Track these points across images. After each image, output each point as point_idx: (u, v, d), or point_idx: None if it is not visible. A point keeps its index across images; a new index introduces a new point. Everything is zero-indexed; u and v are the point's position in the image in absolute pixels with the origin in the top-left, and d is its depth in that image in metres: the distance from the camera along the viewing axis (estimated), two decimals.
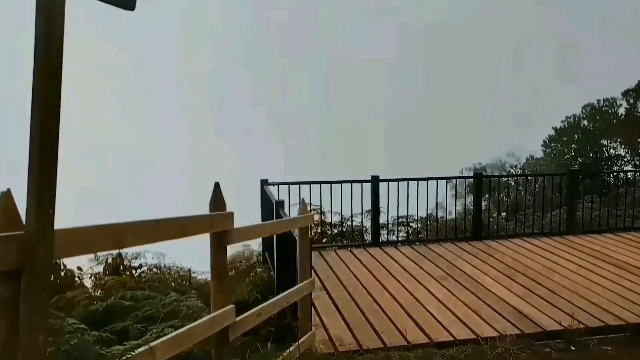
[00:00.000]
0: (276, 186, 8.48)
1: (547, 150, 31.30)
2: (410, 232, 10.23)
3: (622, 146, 28.40)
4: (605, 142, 28.95)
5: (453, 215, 10.89)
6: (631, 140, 26.96)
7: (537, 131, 32.76)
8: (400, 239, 10.11)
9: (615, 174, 17.34)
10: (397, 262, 8.05)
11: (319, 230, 10.57)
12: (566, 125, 30.60)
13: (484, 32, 69.16)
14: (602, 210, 11.04)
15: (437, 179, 9.10)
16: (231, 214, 3.60)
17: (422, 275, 7.42)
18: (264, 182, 8.47)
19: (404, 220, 10.59)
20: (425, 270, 7.63)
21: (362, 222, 9.66)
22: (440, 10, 70.64)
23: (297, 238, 5.25)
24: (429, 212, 10.05)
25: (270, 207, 7.68)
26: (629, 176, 15.10)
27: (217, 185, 3.66)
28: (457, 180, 9.54)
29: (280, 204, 7.09)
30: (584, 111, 30.17)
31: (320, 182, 8.70)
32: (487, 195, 12.81)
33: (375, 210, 8.96)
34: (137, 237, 2.55)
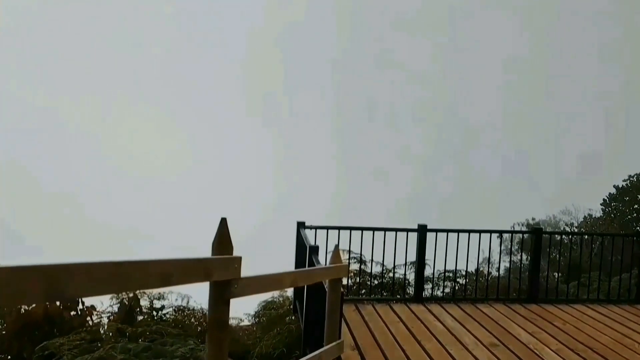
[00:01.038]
0: (314, 230, 7.76)
1: (607, 210, 29.68)
2: (456, 288, 9.27)
3: None
4: None
5: (502, 272, 9.93)
6: None
7: (598, 190, 31.21)
8: (445, 295, 9.17)
9: None
10: (441, 322, 7.14)
11: (358, 281, 9.76)
12: (629, 185, 29.03)
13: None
14: None
15: (490, 231, 8.22)
16: (238, 259, 2.87)
17: (469, 339, 6.49)
18: (301, 225, 7.74)
19: (451, 274, 9.67)
20: (472, 333, 6.69)
21: (404, 274, 8.77)
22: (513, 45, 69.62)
23: (327, 290, 4.50)
24: (477, 268, 9.07)
25: (304, 253, 6.96)
26: None
27: (223, 221, 2.95)
28: (510, 235, 8.56)
29: (314, 249, 6.34)
30: None
31: (362, 228, 7.93)
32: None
33: (420, 263, 8.11)
34: (79, 286, 1.82)
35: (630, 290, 8.83)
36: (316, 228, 7.81)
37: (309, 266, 6.19)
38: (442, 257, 8.29)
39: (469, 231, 8.13)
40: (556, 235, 14.65)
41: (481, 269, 9.93)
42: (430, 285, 8.83)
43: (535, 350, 6.21)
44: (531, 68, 67.53)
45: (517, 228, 27.58)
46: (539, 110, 65.57)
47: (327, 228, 7.82)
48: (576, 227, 31.02)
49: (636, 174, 28.80)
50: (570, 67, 65.59)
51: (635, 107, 58.76)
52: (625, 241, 9.60)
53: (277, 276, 3.32)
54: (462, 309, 7.80)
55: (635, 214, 28.06)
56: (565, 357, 6.06)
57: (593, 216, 30.52)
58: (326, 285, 4.58)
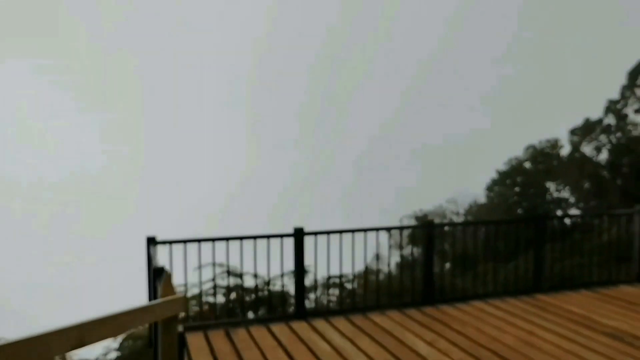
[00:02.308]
0: (168, 245, 6.42)
1: (491, 195, 30.17)
2: (344, 294, 8.24)
3: (566, 188, 27.53)
4: (548, 185, 28.05)
5: (395, 271, 9.10)
6: (576, 182, 26.05)
7: (481, 174, 31.73)
8: (332, 305, 8.16)
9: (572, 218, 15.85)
10: (327, 340, 6.06)
11: (234, 297, 8.57)
12: (509, 168, 29.65)
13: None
14: (566, 261, 9.45)
15: (377, 229, 7.27)
16: None
17: (359, 357, 5.49)
18: (151, 242, 6.36)
19: (338, 280, 8.67)
20: (364, 352, 5.68)
21: (282, 286, 7.64)
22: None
23: (159, 335, 3.27)
24: (365, 270, 8.07)
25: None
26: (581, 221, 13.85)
27: None
28: (400, 231, 7.60)
29: (159, 273, 5.05)
30: (526, 152, 29.34)
31: (228, 238, 6.71)
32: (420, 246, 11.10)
33: (299, 273, 7.00)
34: None
35: (527, 279, 8.20)
36: (171, 242, 6.47)
37: (154, 297, 4.92)
38: (331, 262, 7.29)
39: (353, 231, 7.14)
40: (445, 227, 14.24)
41: (374, 268, 8.99)
42: (315, 295, 7.76)
43: None
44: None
45: (405, 222, 27.35)
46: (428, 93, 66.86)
47: (185, 241, 6.52)
48: (462, 215, 31.37)
49: (515, 157, 29.46)
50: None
51: (513, 91, 61.43)
52: (513, 227, 9.00)
53: (32, 340, 2.06)
54: (351, 321, 6.76)
55: (516, 197, 28.65)
56: None
57: (478, 202, 30.95)
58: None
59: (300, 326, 6.59)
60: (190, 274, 6.67)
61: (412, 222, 25.55)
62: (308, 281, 8.91)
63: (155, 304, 3.20)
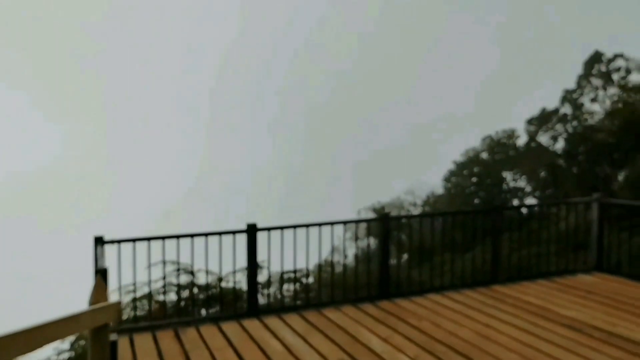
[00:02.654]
0: (116, 244, 6.06)
1: (448, 186, 30.34)
2: (299, 289, 7.98)
3: (523, 178, 27.83)
4: (505, 175, 28.31)
5: (352, 265, 8.90)
6: (532, 172, 26.34)
7: (439, 166, 31.87)
8: (287, 301, 7.89)
9: (535, 207, 15.87)
10: (279, 339, 5.81)
11: (186, 295, 8.24)
12: (466, 159, 29.84)
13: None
14: (523, 251, 9.39)
15: (332, 223, 7.03)
16: None
17: (311, 356, 5.26)
18: (98, 241, 5.96)
19: (292, 275, 8.43)
20: (317, 350, 5.45)
21: (234, 283, 7.33)
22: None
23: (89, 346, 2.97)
24: (319, 264, 7.82)
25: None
26: (538, 209, 13.86)
27: None
28: (355, 225, 7.34)
29: (102, 273, 4.71)
30: (483, 143, 29.55)
31: (178, 236, 6.39)
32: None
33: (252, 269, 6.71)
34: None
35: (485, 270, 8.09)
36: (119, 242, 6.12)
37: None
38: (287, 258, 7.02)
39: (307, 225, 6.89)
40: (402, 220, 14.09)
41: (330, 260, 8.75)
42: (268, 292, 7.50)
43: None
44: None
45: (363, 214, 27.26)
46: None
47: (134, 240, 6.18)
48: (420, 207, 31.48)
49: (472, 147, 29.66)
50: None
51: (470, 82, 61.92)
52: (470, 218, 8.86)
53: None
54: (305, 318, 6.52)
55: (473, 187, 28.87)
56: None
57: (435, 193, 31.09)
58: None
59: (252, 324, 6.33)
60: (141, 273, 6.38)
61: (370, 215, 25.49)
62: (263, 277, 8.68)
63: (81, 313, 2.89)
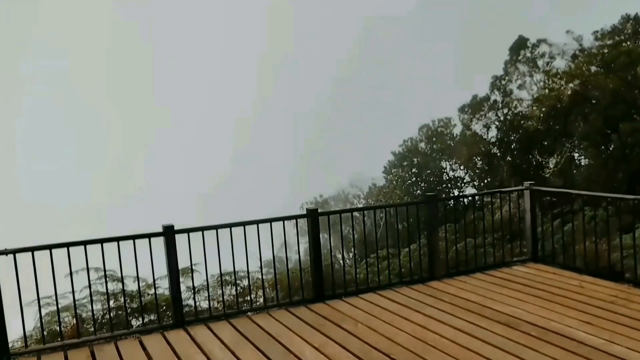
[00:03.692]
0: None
1: (389, 177, 30.33)
2: (234, 293, 7.53)
3: (461, 167, 28.06)
4: (444, 164, 28.49)
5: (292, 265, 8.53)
6: (469, 161, 26.57)
7: (379, 156, 31.86)
8: (218, 306, 7.46)
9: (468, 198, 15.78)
10: (205, 353, 5.37)
11: (113, 305, 7.71)
12: (404, 149, 29.89)
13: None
14: (460, 244, 9.23)
15: (257, 222, 6.61)
16: None
17: None
18: None
19: (228, 278, 7.99)
20: None
21: (155, 293, 6.84)
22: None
23: None
24: (247, 268, 7.34)
25: None
26: (477, 199, 13.80)
27: None
28: (282, 222, 6.91)
29: None
30: (420, 133, 29.64)
31: (85, 242, 5.78)
32: (326, 233, 10.63)
33: (172, 274, 6.23)
34: None
35: (423, 266, 7.85)
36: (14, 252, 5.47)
37: None
38: (218, 259, 6.57)
39: (230, 225, 6.45)
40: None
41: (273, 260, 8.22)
42: (195, 300, 7.04)
43: None
44: None
45: (306, 206, 26.96)
46: None
47: (14, 252, 5.48)
48: (363, 199, 31.39)
49: (410, 138, 29.72)
50: None
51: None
52: (417, 208, 8.57)
53: None
54: (235, 327, 6.11)
55: (414, 178, 28.95)
56: None
57: (377, 185, 31.07)
58: None
59: (177, 337, 5.88)
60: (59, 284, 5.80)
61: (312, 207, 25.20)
62: (198, 281, 8.22)
63: None
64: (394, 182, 29.20)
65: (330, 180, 35.97)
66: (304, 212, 7.07)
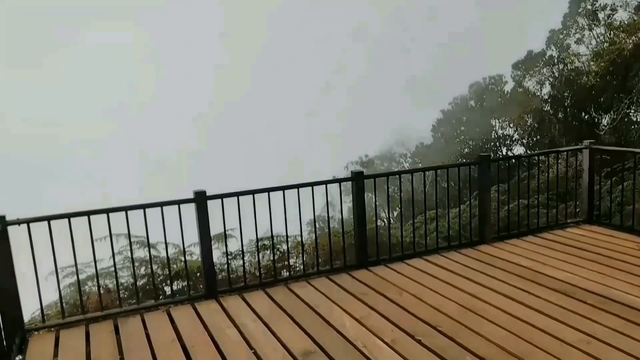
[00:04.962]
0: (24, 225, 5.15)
1: (437, 135, 29.58)
2: (274, 259, 7.21)
3: (511, 125, 27.09)
4: (494, 122, 27.56)
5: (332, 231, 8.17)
6: (519, 119, 25.58)
7: (426, 114, 31.05)
8: (250, 277, 7.17)
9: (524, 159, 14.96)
10: (237, 326, 5.09)
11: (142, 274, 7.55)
12: (453, 107, 29.04)
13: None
14: (512, 205, 8.73)
15: (297, 186, 6.26)
16: None
17: (272, 350, 4.58)
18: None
19: (268, 243, 7.70)
20: (279, 338, 4.75)
21: (185, 262, 6.54)
22: None
23: None
24: (286, 235, 7.01)
25: None
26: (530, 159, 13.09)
27: None
28: (325, 186, 6.51)
29: None
30: (470, 91, 28.69)
31: (107, 210, 5.49)
32: (371, 193, 10.24)
33: (204, 243, 5.95)
34: None
35: (473, 229, 7.41)
36: (28, 222, 5.17)
37: None
38: (255, 224, 6.22)
39: (268, 190, 6.08)
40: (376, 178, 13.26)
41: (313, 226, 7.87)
42: (238, 265, 6.78)
43: (362, 350, 4.42)
44: None
45: (351, 168, 26.56)
46: None
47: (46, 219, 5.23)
48: (410, 158, 30.77)
49: (459, 95, 28.84)
50: None
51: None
52: (463, 169, 8.09)
53: None
54: (271, 297, 5.83)
55: (462, 136, 28.14)
56: (401, 351, 4.34)
57: (424, 143, 30.36)
58: None
59: (208, 308, 5.61)
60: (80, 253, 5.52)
61: (358, 169, 24.78)
62: (233, 247, 8.00)
63: None
64: (442, 140, 28.45)
65: (377, 139, 35.33)
66: (349, 172, 6.70)
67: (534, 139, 25.97)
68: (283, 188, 6.13)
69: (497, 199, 7.56)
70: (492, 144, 27.81)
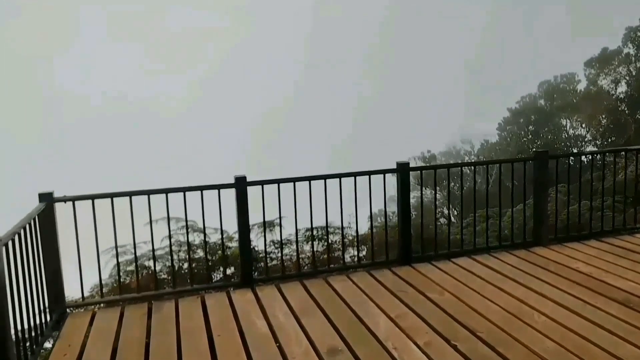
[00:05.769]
0: (70, 203, 5.14)
1: (503, 134, 28.63)
2: (313, 251, 6.95)
3: (583, 125, 25.89)
4: (564, 122, 26.42)
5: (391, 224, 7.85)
6: (592, 118, 24.38)
7: (493, 113, 30.11)
8: (290, 266, 6.95)
9: (586, 156, 14.08)
10: (267, 318, 4.86)
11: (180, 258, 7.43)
12: (522, 106, 28.02)
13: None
14: (574, 206, 8.13)
15: (339, 175, 5.97)
16: None
17: (298, 344, 4.31)
18: (44, 199, 4.98)
19: (317, 233, 7.43)
20: (307, 332, 4.49)
21: (223, 249, 6.37)
22: None
23: None
24: (342, 226, 6.74)
25: None
26: (598, 158, 12.36)
27: None
28: (368, 177, 6.20)
29: None
30: (540, 90, 27.61)
31: (148, 192, 5.39)
32: (433, 188, 9.83)
33: (243, 230, 5.74)
34: None
35: (527, 229, 6.93)
36: (73, 200, 5.16)
37: None
38: (295, 212, 5.98)
39: (310, 178, 5.83)
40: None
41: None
42: (264, 260, 6.53)
43: (392, 352, 4.10)
44: None
45: (412, 163, 26.01)
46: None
47: (91, 197, 5.19)
48: (474, 156, 29.93)
49: (528, 94, 27.82)
50: None
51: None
52: (520, 166, 7.63)
53: None
54: (307, 289, 5.56)
55: (530, 136, 27.12)
56: (434, 356, 3.99)
57: (490, 141, 29.45)
58: None
59: (242, 297, 5.41)
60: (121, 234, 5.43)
61: (420, 164, 24.26)
62: (276, 236, 7.82)
63: None
64: (508, 138, 27.50)
65: (442, 136, 34.55)
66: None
67: (609, 139, 24.73)
68: (325, 177, 5.89)
69: (555, 198, 7.02)
70: (562, 144, 26.71)
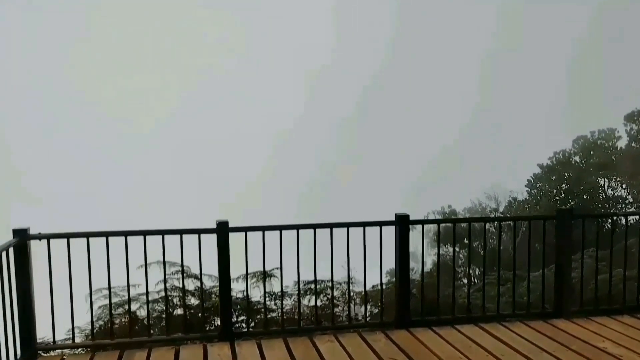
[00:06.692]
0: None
1: (533, 191, 27.62)
2: (299, 309, 6.28)
3: (623, 185, 24.77)
4: (602, 181, 25.36)
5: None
6: (634, 178, 23.24)
7: (521, 169, 29.24)
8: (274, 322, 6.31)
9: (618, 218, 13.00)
10: None
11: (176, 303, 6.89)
12: (554, 162, 27.08)
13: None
14: (606, 274, 7.33)
15: (330, 225, 5.38)
16: None
17: None
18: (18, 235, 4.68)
19: (304, 286, 6.82)
20: None
21: (202, 300, 5.78)
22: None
23: None
24: (332, 284, 6.09)
25: None
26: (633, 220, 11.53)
27: None
28: (363, 228, 5.57)
29: None
30: (575, 145, 26.67)
31: (126, 233, 4.97)
32: (452, 246, 9.10)
33: (223, 279, 5.16)
34: None
35: (545, 298, 6.17)
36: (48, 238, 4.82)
37: None
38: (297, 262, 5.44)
39: (297, 227, 5.26)
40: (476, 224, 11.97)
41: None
42: (244, 315, 5.94)
43: None
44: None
45: (431, 217, 25.09)
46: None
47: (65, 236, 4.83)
48: (501, 213, 28.85)
49: (561, 150, 26.90)
50: None
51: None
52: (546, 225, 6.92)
53: None
54: (289, 349, 4.93)
55: (563, 194, 26.10)
56: None
57: (517, 199, 28.40)
58: None
59: (218, 352, 4.83)
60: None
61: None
62: (273, 287, 7.24)
63: None
64: (539, 196, 26.49)
65: (466, 191, 33.57)
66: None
67: None
68: (314, 226, 5.38)
69: (581, 264, 6.27)
70: (598, 205, 25.57)
